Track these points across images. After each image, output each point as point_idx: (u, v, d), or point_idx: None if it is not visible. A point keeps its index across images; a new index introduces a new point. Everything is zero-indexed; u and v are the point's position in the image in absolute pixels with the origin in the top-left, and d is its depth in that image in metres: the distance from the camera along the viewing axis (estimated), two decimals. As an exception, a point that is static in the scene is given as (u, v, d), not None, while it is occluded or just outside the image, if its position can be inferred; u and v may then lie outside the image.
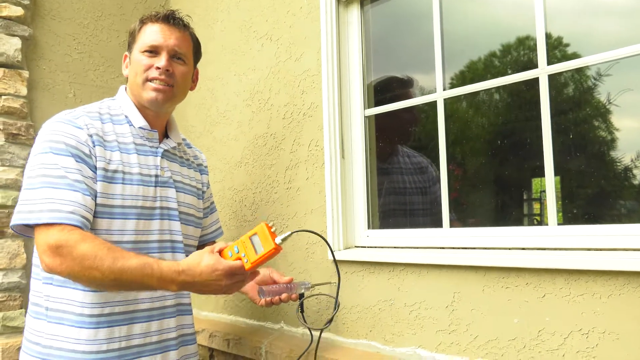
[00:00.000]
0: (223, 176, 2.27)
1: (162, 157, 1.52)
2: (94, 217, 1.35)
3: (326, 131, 1.80)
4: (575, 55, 1.39)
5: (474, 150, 1.68)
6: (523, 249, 1.37)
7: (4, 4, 2.12)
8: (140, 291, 1.39)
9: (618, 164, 1.38)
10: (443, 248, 1.54)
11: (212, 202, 1.82)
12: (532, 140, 1.46)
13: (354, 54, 1.84)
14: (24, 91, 2.15)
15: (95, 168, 1.36)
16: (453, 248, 1.51)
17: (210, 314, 2.33)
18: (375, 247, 1.72)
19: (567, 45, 1.43)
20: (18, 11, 2.15)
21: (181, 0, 2.60)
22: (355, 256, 1.69)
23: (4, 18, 2.12)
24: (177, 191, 1.54)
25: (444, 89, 1.63)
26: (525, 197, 1.68)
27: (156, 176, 1.48)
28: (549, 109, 1.38)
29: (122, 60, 1.57)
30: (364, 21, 1.86)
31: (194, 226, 1.63)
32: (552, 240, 1.32)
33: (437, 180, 1.63)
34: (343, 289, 1.73)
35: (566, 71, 1.39)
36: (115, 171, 1.39)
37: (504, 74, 1.53)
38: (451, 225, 1.58)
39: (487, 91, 1.60)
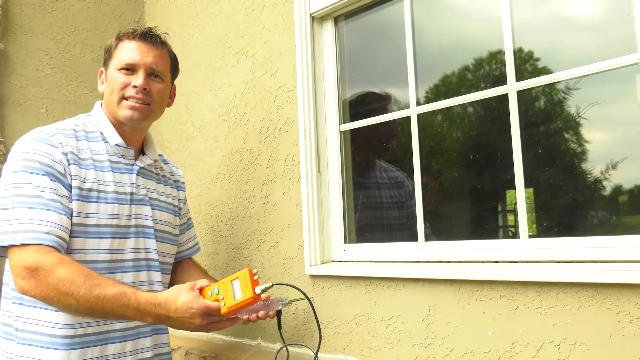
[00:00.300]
0: (199, 191, 2.26)
1: (137, 175, 1.50)
2: (71, 236, 1.33)
3: (302, 146, 1.80)
4: (545, 70, 1.43)
5: (449, 163, 1.71)
6: (496, 261, 1.39)
7: (-27, 19, 2.08)
8: (115, 320, 1.37)
9: (588, 175, 1.41)
10: (419, 262, 1.55)
11: (189, 219, 1.80)
12: (505, 153, 1.49)
13: (329, 70, 1.86)
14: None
15: (70, 187, 1.34)
16: (428, 262, 1.53)
17: (185, 331, 2.30)
18: (352, 261, 1.73)
19: (537, 59, 1.47)
20: (-12, 26, 2.12)
21: (156, 16, 2.59)
22: (332, 271, 1.70)
23: (-26, 33, 2.09)
24: (152, 209, 1.52)
25: (418, 104, 1.66)
26: (499, 208, 1.71)
27: (131, 194, 1.47)
28: (519, 123, 1.41)
29: (98, 76, 1.55)
30: (339, 37, 1.89)
31: (170, 244, 1.61)
32: (523, 252, 1.35)
33: (413, 194, 1.65)
34: (320, 304, 1.73)
35: (536, 86, 1.43)
36: (90, 190, 1.37)
37: (477, 87, 1.56)
38: (427, 239, 1.59)
39: (461, 105, 1.63)
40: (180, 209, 1.70)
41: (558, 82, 1.40)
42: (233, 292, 1.25)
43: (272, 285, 1.28)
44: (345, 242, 1.79)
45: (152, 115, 1.51)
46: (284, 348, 1.75)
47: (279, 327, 1.64)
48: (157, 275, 1.51)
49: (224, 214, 2.13)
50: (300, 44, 1.83)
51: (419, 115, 1.65)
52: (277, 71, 1.95)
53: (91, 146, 1.44)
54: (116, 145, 1.47)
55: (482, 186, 1.68)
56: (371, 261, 1.67)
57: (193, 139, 2.31)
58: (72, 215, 1.33)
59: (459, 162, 1.70)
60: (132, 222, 1.46)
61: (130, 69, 1.45)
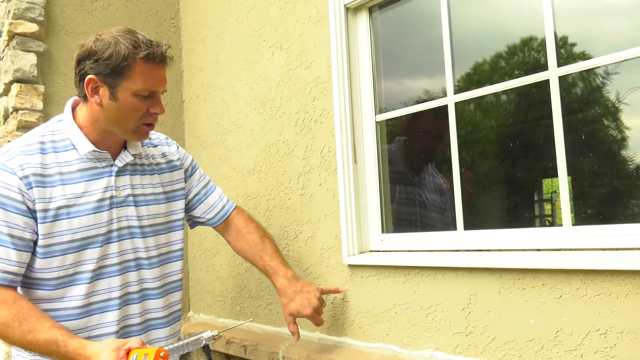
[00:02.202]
0: (236, 184, 2.30)
1: (117, 176, 1.46)
2: (46, 257, 1.36)
3: (338, 137, 1.81)
4: (583, 55, 1.40)
5: (484, 153, 1.69)
6: (538, 250, 1.38)
7: (19, 21, 2.16)
8: None
9: (630, 163, 1.38)
10: (458, 251, 1.55)
11: (207, 184, 1.74)
12: (542, 141, 1.47)
13: (364, 60, 1.86)
14: (40, 105, 2.19)
15: (34, 211, 1.34)
16: (468, 250, 1.52)
17: (226, 321, 2.35)
18: (390, 251, 1.73)
19: (573, 44, 1.44)
20: (33, 27, 2.20)
21: (192, 13, 2.64)
22: (370, 260, 1.71)
23: (20, 35, 2.17)
24: (137, 206, 1.49)
25: (454, 93, 1.64)
26: (536, 198, 1.69)
27: (111, 197, 1.44)
28: (560, 109, 1.38)
29: (85, 82, 1.36)
30: (373, 27, 1.88)
31: (167, 232, 1.58)
32: (567, 240, 1.33)
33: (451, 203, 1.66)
34: (358, 294, 1.75)
35: (575, 72, 1.40)
36: (58, 208, 1.36)
37: (510, 75, 1.54)
38: (465, 228, 1.58)
39: (495, 93, 1.61)
40: (182, 189, 1.65)
41: (597, 67, 1.36)
42: None
43: None
44: (382, 232, 1.80)
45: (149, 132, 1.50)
46: (324, 335, 1.78)
47: None
48: (148, 273, 1.51)
49: (261, 206, 2.16)
50: (335, 35, 1.84)
51: (455, 105, 1.64)
52: (311, 63, 1.96)
53: (59, 158, 1.40)
54: (91, 151, 1.42)
55: (518, 175, 1.66)
56: (409, 251, 1.67)
57: (229, 132, 2.35)
58: (35, 243, 1.35)
59: (494, 151, 1.68)
60: (114, 226, 1.44)
61: (148, 94, 1.39)
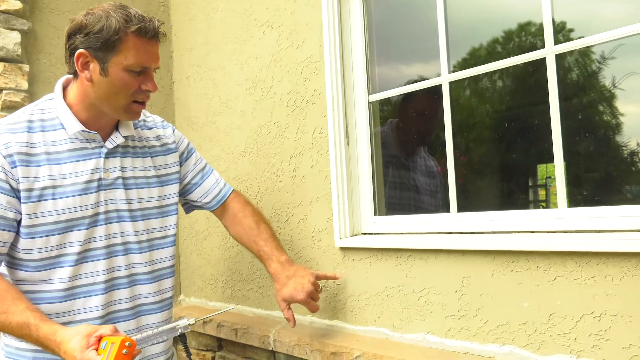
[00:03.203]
0: (227, 166, 2.26)
1: (106, 158, 1.42)
2: (30, 237, 1.33)
3: (330, 118, 1.78)
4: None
5: (479, 137, 1.66)
6: (532, 232, 1.35)
7: (1, -3, 2.10)
8: None
9: (624, 148, 1.36)
10: (451, 233, 1.52)
11: (204, 167, 1.70)
12: (537, 126, 1.44)
13: (357, 39, 1.82)
14: (24, 85, 2.13)
15: (17, 191, 1.31)
16: (461, 233, 1.50)
17: (217, 304, 2.33)
18: (382, 233, 1.71)
19: (570, 30, 1.41)
20: (16, 5, 2.13)
21: (180, -10, 2.57)
22: (362, 243, 1.68)
23: (3, 12, 2.10)
24: (126, 189, 1.45)
25: (449, 72, 1.60)
26: (530, 183, 1.66)
27: (99, 179, 1.40)
28: (557, 90, 1.35)
29: (75, 57, 1.32)
30: (366, 6, 1.83)
31: (160, 217, 1.54)
32: (561, 222, 1.30)
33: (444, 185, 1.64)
34: (350, 277, 1.73)
35: (571, 54, 1.37)
36: (43, 188, 1.33)
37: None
38: (459, 211, 1.56)
39: (491, 77, 1.58)
40: (177, 172, 1.60)
41: (593, 51, 1.34)
42: (106, 356, 1.13)
43: None
44: (375, 214, 1.77)
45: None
46: (315, 319, 1.76)
47: (188, 354, 1.50)
48: (138, 257, 1.47)
49: (252, 188, 2.13)
50: (327, 13, 1.79)
51: (450, 88, 1.60)
52: (303, 42, 1.91)
53: (47, 137, 1.36)
54: (79, 131, 1.38)
55: (513, 159, 1.63)
56: (402, 233, 1.65)
57: (220, 114, 2.31)
58: (19, 222, 1.32)
59: (489, 136, 1.66)
60: (101, 209, 1.40)
61: (140, 70, 1.35)
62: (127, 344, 1.14)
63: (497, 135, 1.63)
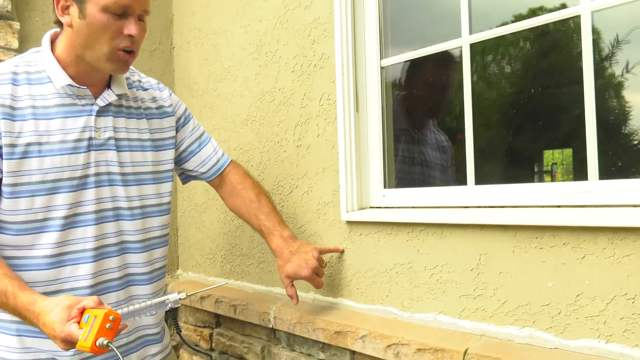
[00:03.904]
0: (228, 135, 2.14)
1: (98, 116, 1.32)
2: (13, 197, 1.22)
3: (339, 83, 1.65)
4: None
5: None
6: (558, 206, 1.24)
7: (-10, -51, 1.96)
8: None
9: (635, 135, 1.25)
10: (467, 207, 1.41)
11: (201, 135, 1.61)
12: (566, 93, 1.32)
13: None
14: (15, 44, 2.01)
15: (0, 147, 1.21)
16: (479, 207, 1.39)
17: (216, 279, 2.23)
18: (393, 207, 1.59)
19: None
20: (6, -43, 2.00)
21: (182, -52, 2.43)
22: (370, 217, 1.57)
23: (-9, -36, 1.97)
24: (119, 151, 1.36)
25: (470, 33, 1.48)
26: (536, 169, 1.54)
27: (90, 139, 1.30)
28: (592, 49, 1.22)
29: (56, 1, 1.25)
30: (380, -37, 1.70)
31: (155, 183, 1.45)
32: (592, 196, 1.19)
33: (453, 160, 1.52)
34: (357, 253, 1.62)
35: (607, 15, 1.23)
36: (28, 144, 1.23)
37: (531, 37, 1.38)
38: (476, 183, 1.44)
39: (515, 44, 1.45)
40: (172, 138, 1.51)
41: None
42: (89, 330, 1.03)
43: (109, 343, 1.02)
44: (384, 187, 1.66)
45: (130, 64, 1.32)
46: (318, 296, 1.66)
47: (178, 330, 1.45)
48: (129, 225, 1.37)
49: (255, 159, 2.02)
50: (339, -31, 1.65)
51: (471, 47, 1.47)
52: (311, 2, 1.78)
53: (33, 91, 1.26)
54: (67, 85, 1.28)
55: (521, 144, 1.51)
56: (413, 207, 1.54)
57: (222, 80, 2.18)
58: (2, 178, 1.22)
59: (510, 105, 1.53)
60: (91, 171, 1.31)
61: (122, 13, 1.23)
62: (111, 317, 1.04)
63: (521, 103, 1.50)
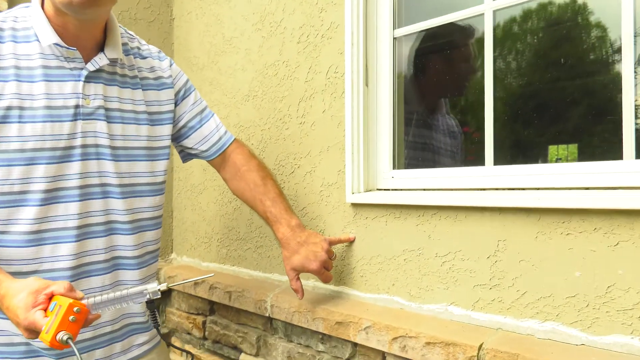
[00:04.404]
0: (228, 112, 2.02)
1: (86, 82, 1.20)
2: None
3: (348, 55, 1.53)
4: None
5: (523, 79, 1.41)
6: (587, 188, 1.12)
7: None
8: None
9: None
10: (485, 189, 1.29)
11: (203, 110, 1.47)
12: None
13: (384, -36, 1.56)
14: (4, 6, 1.90)
15: None
16: (498, 189, 1.26)
17: (211, 265, 2.12)
18: (402, 189, 1.47)
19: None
20: None
21: None
22: (377, 199, 1.45)
23: None
24: (109, 123, 1.23)
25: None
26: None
27: (76, 107, 1.18)
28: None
29: None
30: None
31: (148, 160, 1.32)
32: (628, 177, 1.06)
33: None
34: (363, 237, 1.50)
35: None
36: (8, 108, 1.11)
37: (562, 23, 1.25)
38: (495, 164, 1.32)
39: (542, 13, 1.32)
40: (170, 112, 1.38)
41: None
42: (52, 320, 0.93)
43: (69, 340, 0.91)
44: (393, 167, 1.54)
45: (101, 1, 1.14)
46: (319, 284, 1.55)
47: (156, 325, 1.30)
48: (117, 203, 1.25)
49: (255, 137, 1.90)
50: None
51: (494, 14, 1.34)
52: (321, -32, 1.65)
53: (18, 49, 1.15)
54: (55, 45, 1.16)
55: (527, 140, 1.39)
56: (425, 189, 1.41)
57: (223, 53, 2.06)
58: None
59: (534, 77, 1.40)
60: (77, 142, 1.18)
61: None
62: (75, 309, 0.92)
63: (548, 75, 1.38)
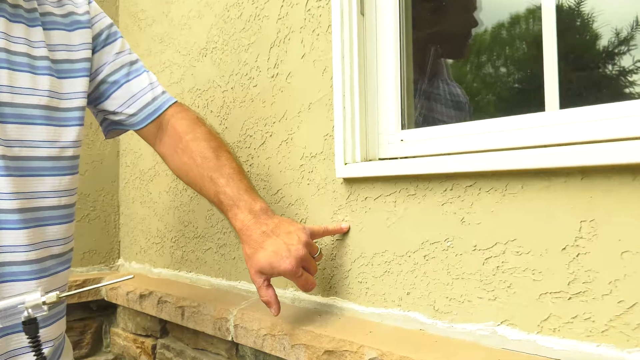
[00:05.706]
0: (181, 74, 1.57)
1: None
2: None
3: (335, -27, 1.08)
4: None
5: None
6: None
7: None
8: None
9: None
10: (547, 146, 0.84)
11: (133, 63, 1.08)
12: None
13: None
14: None
15: None
16: (570, 144, 0.81)
17: (163, 271, 1.65)
18: (416, 156, 1.02)
19: None
20: None
21: None
22: (381, 170, 1.00)
23: None
24: (4, 69, 0.87)
25: None
26: None
27: None
28: None
29: None
30: None
31: (49, 124, 0.92)
32: None
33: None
34: (360, 226, 1.05)
35: None
36: None
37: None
38: (561, 107, 0.88)
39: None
40: (86, 60, 0.99)
41: None
42: None
43: None
44: (402, 127, 1.09)
45: None
46: (300, 295, 1.10)
47: (36, 352, 0.78)
48: (1, 182, 0.85)
49: (215, 102, 1.44)
50: None
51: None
52: None
53: None
54: None
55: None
56: (450, 154, 0.96)
57: (175, 1, 1.61)
58: None
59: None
60: None
61: None
62: None
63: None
